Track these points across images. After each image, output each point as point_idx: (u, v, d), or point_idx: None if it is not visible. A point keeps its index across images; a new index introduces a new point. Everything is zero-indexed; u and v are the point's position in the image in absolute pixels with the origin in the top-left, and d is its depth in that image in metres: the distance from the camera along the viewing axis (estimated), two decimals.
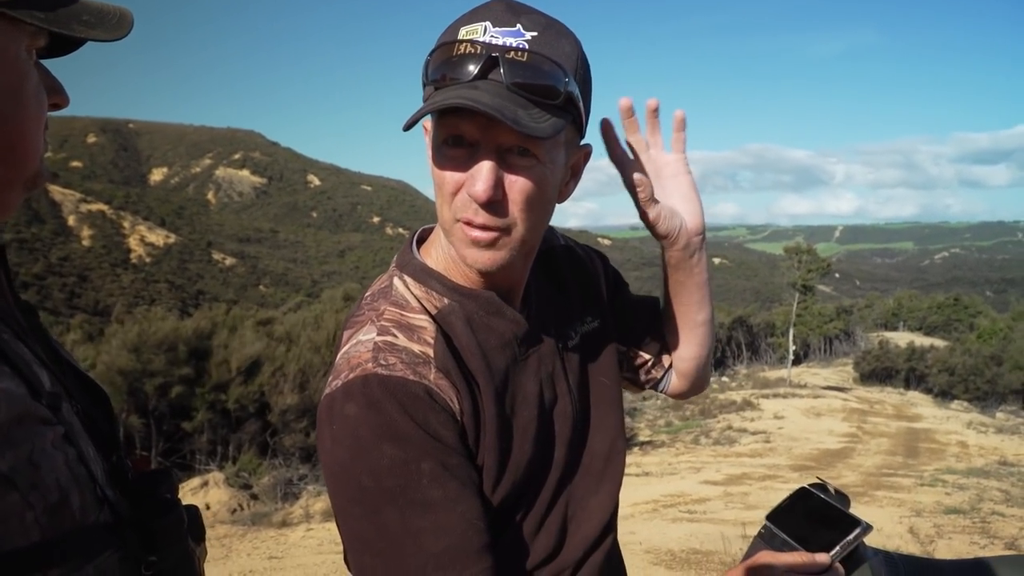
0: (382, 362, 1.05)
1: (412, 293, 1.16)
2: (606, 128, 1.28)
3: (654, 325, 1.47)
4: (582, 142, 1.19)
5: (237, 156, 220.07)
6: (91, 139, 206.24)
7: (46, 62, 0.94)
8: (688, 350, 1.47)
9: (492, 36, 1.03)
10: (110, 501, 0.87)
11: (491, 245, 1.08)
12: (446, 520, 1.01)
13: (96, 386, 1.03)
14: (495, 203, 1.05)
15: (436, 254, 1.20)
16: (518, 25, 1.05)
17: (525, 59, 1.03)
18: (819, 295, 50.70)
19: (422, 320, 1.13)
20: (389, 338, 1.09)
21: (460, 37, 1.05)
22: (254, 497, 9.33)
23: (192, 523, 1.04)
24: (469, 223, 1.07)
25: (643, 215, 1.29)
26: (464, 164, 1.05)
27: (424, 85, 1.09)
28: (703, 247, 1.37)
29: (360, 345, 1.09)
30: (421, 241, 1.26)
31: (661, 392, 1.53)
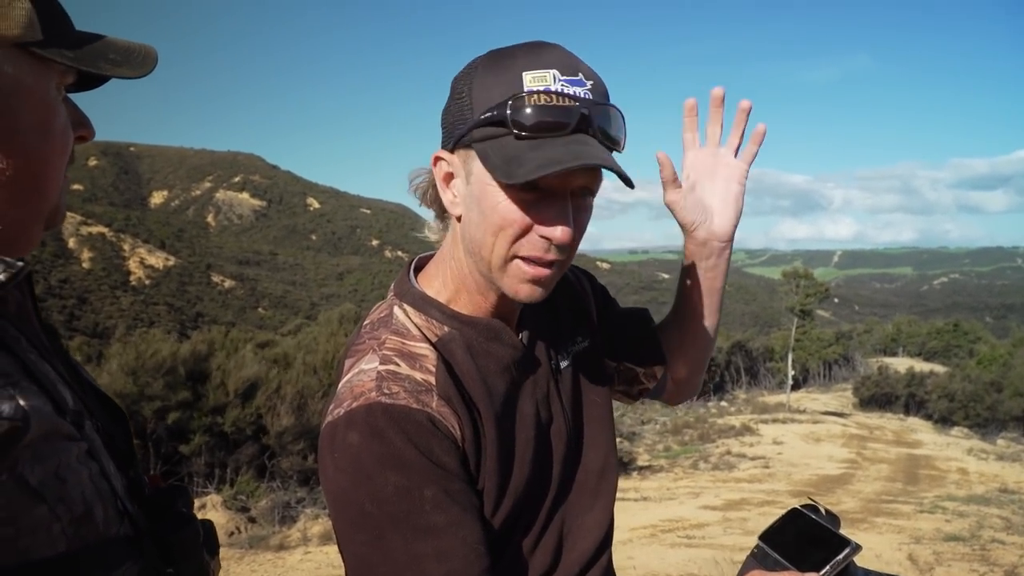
0: (385, 391, 1.07)
1: (412, 322, 1.18)
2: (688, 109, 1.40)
3: (644, 337, 1.50)
4: None
5: (237, 179, 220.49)
6: (92, 162, 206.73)
7: (72, 96, 0.98)
8: (687, 353, 1.52)
9: (563, 85, 1.07)
10: (130, 515, 0.90)
11: (547, 281, 1.13)
12: (448, 545, 1.03)
13: (114, 404, 1.06)
14: (567, 242, 1.10)
15: (439, 284, 1.22)
16: (580, 75, 1.08)
17: (600, 112, 1.08)
18: (818, 320, 50.70)
19: (423, 348, 1.15)
20: (392, 367, 1.11)
21: (530, 85, 1.06)
22: (252, 520, 9.30)
23: (207, 537, 1.06)
24: (537, 261, 1.10)
25: (667, 196, 1.38)
26: (535, 206, 1.08)
27: (484, 125, 1.08)
28: (724, 256, 1.43)
29: (363, 374, 1.10)
30: (418, 269, 1.28)
31: (653, 399, 1.57)
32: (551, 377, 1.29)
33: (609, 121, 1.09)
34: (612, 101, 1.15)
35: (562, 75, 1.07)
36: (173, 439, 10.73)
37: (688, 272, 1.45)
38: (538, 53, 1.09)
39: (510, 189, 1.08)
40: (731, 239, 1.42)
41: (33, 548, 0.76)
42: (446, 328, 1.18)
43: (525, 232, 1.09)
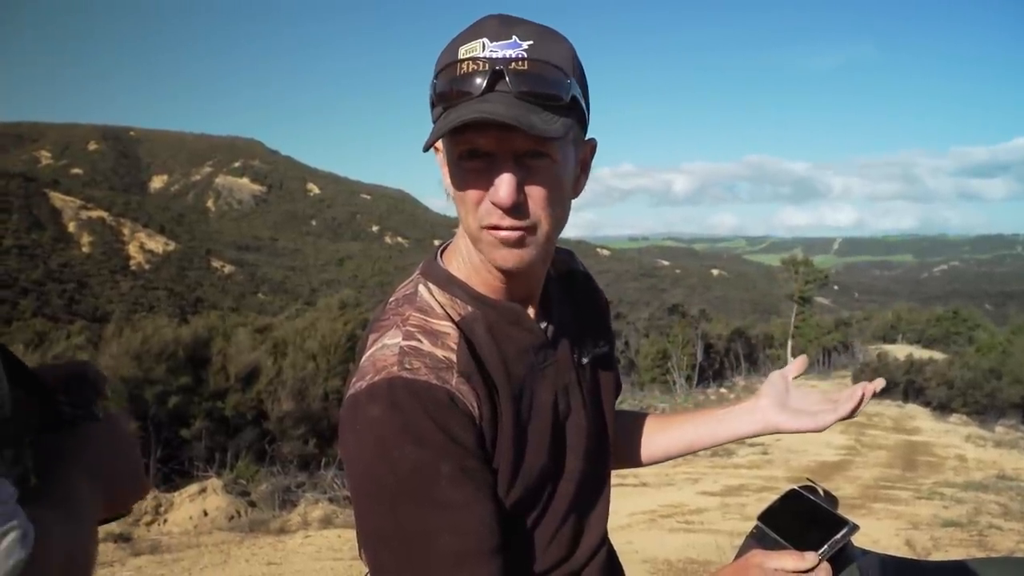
0: (407, 366, 1.08)
1: (436, 300, 1.20)
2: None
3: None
4: (587, 137, 1.23)
5: (237, 164, 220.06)
6: (92, 146, 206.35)
7: None
8: (650, 451, 1.58)
9: (492, 51, 1.07)
10: None
11: (519, 244, 1.12)
12: (462, 521, 1.05)
13: None
14: (518, 206, 1.09)
15: (457, 264, 1.24)
16: (514, 36, 1.08)
17: (527, 68, 1.06)
18: (817, 307, 50.79)
19: (446, 326, 1.16)
20: (414, 343, 1.12)
21: (461, 56, 1.08)
22: (252, 504, 9.30)
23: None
24: (496, 228, 1.10)
25: (784, 370, 1.53)
26: (483, 175, 1.09)
27: (432, 106, 1.12)
28: (728, 422, 1.51)
29: (386, 349, 1.12)
30: (444, 251, 1.30)
31: None
32: (573, 370, 1.31)
33: (536, 79, 1.07)
34: (582, 65, 1.16)
35: (492, 41, 1.07)
36: (174, 423, 10.76)
37: (705, 417, 1.53)
38: (479, 25, 1.11)
39: (460, 162, 1.10)
40: (762, 428, 1.49)
41: None
42: (469, 308, 1.20)
43: (480, 201, 1.10)
